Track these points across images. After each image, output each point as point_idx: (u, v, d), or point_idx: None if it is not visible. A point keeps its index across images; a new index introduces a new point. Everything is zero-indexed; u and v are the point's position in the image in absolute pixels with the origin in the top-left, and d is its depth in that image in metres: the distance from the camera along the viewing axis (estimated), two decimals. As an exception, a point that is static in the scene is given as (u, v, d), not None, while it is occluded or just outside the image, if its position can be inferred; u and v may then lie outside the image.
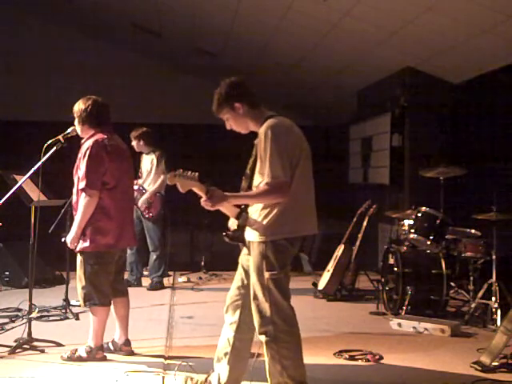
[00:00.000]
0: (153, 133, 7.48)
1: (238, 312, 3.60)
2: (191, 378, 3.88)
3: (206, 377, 3.81)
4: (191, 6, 8.01)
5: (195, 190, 3.43)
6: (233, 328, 3.60)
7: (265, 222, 3.39)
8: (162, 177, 7.25)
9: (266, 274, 3.38)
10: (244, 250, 3.62)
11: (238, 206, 3.55)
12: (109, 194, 4.41)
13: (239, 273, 3.64)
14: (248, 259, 3.53)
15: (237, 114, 3.51)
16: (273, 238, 3.38)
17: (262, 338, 3.42)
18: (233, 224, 3.61)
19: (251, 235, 3.46)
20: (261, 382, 3.64)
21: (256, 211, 3.44)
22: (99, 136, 4.46)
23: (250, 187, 3.52)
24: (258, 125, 3.48)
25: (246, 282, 3.58)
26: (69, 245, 4.47)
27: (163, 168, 7.28)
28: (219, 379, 3.60)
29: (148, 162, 7.38)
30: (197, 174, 3.40)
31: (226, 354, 3.59)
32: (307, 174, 3.50)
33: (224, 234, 3.62)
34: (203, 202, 3.39)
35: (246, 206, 3.52)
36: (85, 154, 4.38)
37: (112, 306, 4.57)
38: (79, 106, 4.53)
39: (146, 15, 9.03)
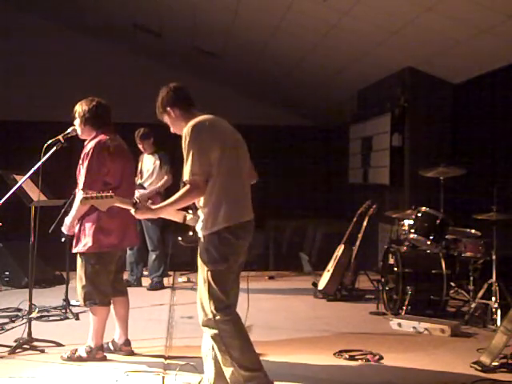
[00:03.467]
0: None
1: None
2: None
3: (198, 381, 3.83)
4: (191, 6, 8.01)
5: (120, 205, 3.63)
6: None
7: (204, 217, 3.52)
8: (165, 177, 7.26)
9: (206, 267, 3.50)
10: None
11: (184, 209, 3.69)
12: None
13: None
14: None
15: (171, 118, 3.75)
16: (212, 229, 3.49)
17: (206, 331, 3.53)
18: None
19: (199, 233, 3.58)
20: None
21: (200, 210, 3.56)
22: (102, 137, 4.45)
23: None
24: None
25: None
26: (65, 232, 4.52)
27: (167, 169, 7.28)
28: (208, 380, 3.64)
29: (150, 162, 7.37)
30: (111, 193, 3.61)
31: (209, 350, 3.63)
32: (236, 165, 3.58)
33: (179, 238, 3.73)
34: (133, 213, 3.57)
35: (187, 208, 3.65)
36: (87, 154, 4.38)
37: (112, 306, 4.57)
38: (82, 107, 4.49)
39: (146, 15, 9.04)
